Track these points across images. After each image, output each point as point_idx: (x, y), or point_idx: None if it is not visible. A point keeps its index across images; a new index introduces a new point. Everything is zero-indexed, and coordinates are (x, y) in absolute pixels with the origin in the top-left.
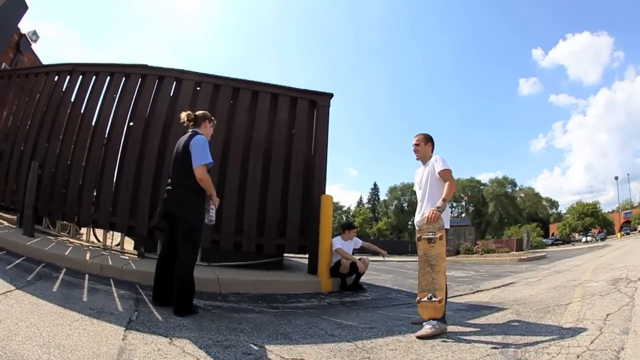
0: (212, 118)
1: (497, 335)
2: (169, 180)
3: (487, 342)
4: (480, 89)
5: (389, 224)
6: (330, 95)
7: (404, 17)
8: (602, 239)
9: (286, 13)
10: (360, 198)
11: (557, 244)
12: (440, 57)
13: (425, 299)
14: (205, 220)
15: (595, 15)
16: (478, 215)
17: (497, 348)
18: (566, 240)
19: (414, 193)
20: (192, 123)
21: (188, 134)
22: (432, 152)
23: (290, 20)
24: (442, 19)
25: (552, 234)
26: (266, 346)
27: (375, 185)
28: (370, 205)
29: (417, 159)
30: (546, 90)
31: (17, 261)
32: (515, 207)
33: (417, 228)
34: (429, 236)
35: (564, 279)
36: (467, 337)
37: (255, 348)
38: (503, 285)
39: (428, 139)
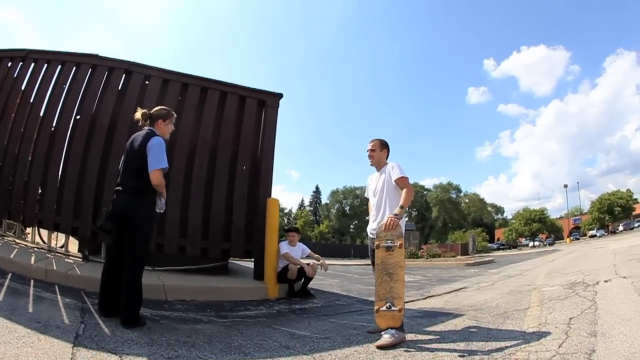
0: (170, 114)
1: (459, 343)
2: (119, 180)
3: (450, 350)
4: (428, 95)
5: (331, 227)
6: (280, 96)
7: (354, 22)
8: (551, 244)
9: (237, 11)
10: (302, 200)
11: (503, 249)
12: (388, 63)
13: (384, 308)
14: (157, 208)
15: (553, 29)
16: (422, 219)
17: (462, 357)
18: (512, 245)
19: (356, 197)
20: (147, 122)
21: (144, 132)
22: (387, 159)
23: (240, 18)
24: (393, 24)
25: (498, 239)
26: None
27: (317, 188)
28: (312, 208)
29: (371, 165)
30: (495, 100)
31: None
32: (459, 212)
33: (371, 236)
34: (388, 244)
35: (517, 283)
36: (429, 345)
37: None
38: (454, 291)
39: (384, 145)
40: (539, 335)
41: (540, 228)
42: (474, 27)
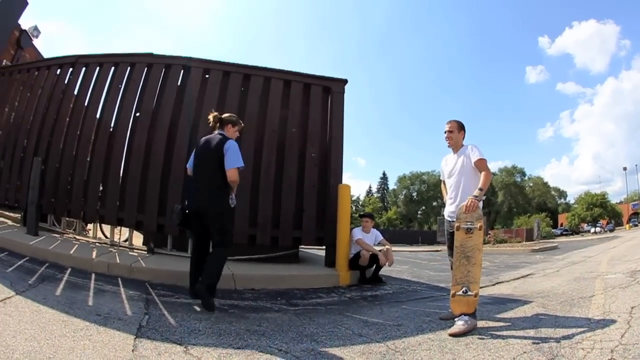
0: (238, 122)
1: (528, 330)
2: (195, 178)
3: (520, 337)
4: (486, 78)
5: (399, 214)
6: (345, 82)
7: (408, 7)
8: (611, 230)
9: (289, 2)
10: (370, 187)
11: (566, 235)
12: (445, 47)
13: (460, 292)
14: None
15: (601, 3)
16: (487, 204)
17: (532, 344)
18: (575, 230)
19: (423, 182)
20: (217, 124)
21: (217, 136)
22: (463, 140)
23: (294, 9)
24: (446, 8)
25: (561, 224)
26: (291, 351)
27: (384, 174)
28: (379, 195)
29: (448, 146)
30: (553, 78)
31: (19, 262)
32: (524, 197)
33: (449, 219)
34: (468, 226)
35: (581, 270)
36: (500, 333)
37: (280, 354)
38: (522, 277)
39: (461, 127)
40: (603, 323)
41: (601, 213)
42: (525, 4)
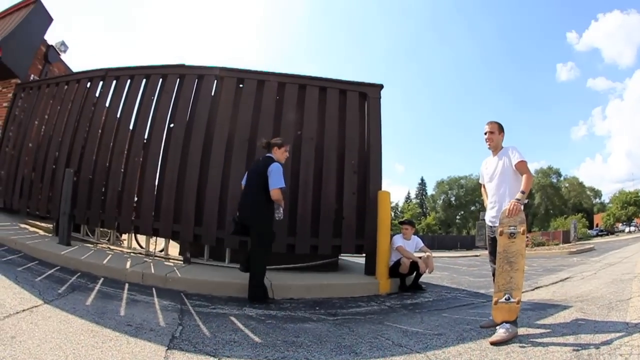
0: (284, 144)
1: (568, 337)
2: (245, 193)
3: (560, 345)
4: (518, 77)
5: (437, 219)
6: (381, 87)
7: (435, 10)
8: None
9: (320, 11)
10: (408, 193)
11: (601, 235)
12: (474, 50)
13: (503, 300)
14: (276, 216)
15: None
16: (524, 207)
17: (572, 351)
18: (610, 231)
19: (461, 187)
20: (266, 148)
21: (265, 158)
22: (503, 142)
23: (326, 16)
24: (473, 12)
25: (597, 225)
26: None
27: (422, 180)
28: (418, 201)
29: (488, 148)
30: (583, 75)
31: (49, 272)
32: (560, 198)
33: (490, 224)
34: (511, 230)
35: (618, 271)
36: (540, 340)
37: None
38: (560, 281)
39: (502, 128)
40: None
41: (636, 212)
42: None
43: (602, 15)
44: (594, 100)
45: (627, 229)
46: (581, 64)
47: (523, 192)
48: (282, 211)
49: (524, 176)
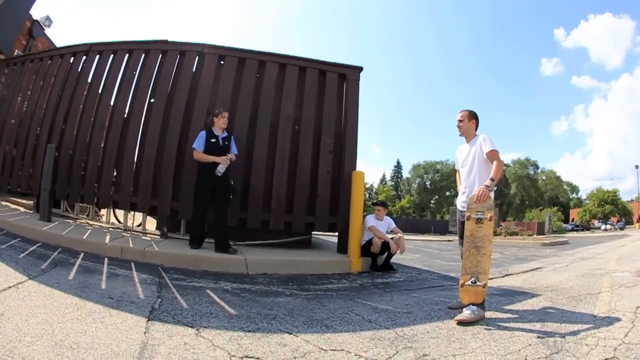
0: (217, 114)
1: (535, 323)
2: None
3: (526, 330)
4: (502, 68)
5: (412, 203)
6: (360, 69)
7: None
8: (621, 228)
9: None
10: (383, 175)
11: (577, 230)
12: (461, 35)
13: (469, 282)
14: (216, 172)
15: None
16: (500, 196)
17: (538, 337)
18: (585, 226)
19: (437, 172)
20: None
21: None
22: (476, 130)
23: None
24: None
25: (572, 220)
26: (302, 335)
27: (398, 162)
28: (393, 183)
29: (460, 135)
30: (568, 71)
31: (31, 248)
32: (536, 190)
33: (461, 208)
34: (479, 216)
35: (590, 266)
36: (507, 324)
37: (291, 337)
38: (531, 270)
39: (472, 116)
40: (608, 321)
41: (612, 211)
42: None
43: (592, 16)
44: (578, 97)
45: (603, 227)
46: (566, 61)
47: (492, 180)
48: (221, 168)
49: (494, 163)
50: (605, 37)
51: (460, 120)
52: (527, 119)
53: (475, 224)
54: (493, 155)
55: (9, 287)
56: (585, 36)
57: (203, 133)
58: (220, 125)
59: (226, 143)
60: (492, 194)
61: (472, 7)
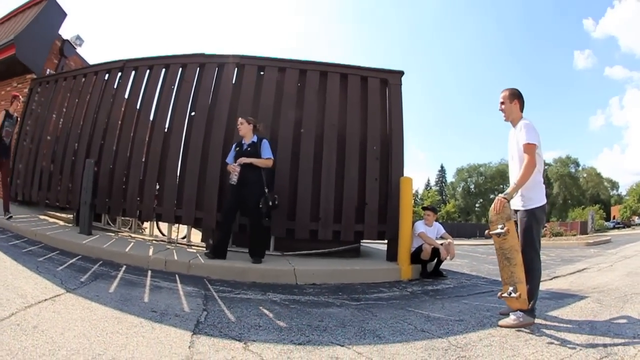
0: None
1: (584, 326)
2: None
3: (577, 334)
4: (536, 64)
5: (457, 207)
6: (402, 73)
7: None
8: None
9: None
10: (428, 180)
11: (618, 228)
12: (491, 37)
13: (506, 294)
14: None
15: None
16: (545, 195)
17: (587, 341)
18: (626, 223)
19: (480, 174)
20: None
21: None
22: (521, 111)
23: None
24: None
25: (614, 217)
26: (354, 347)
27: (442, 167)
28: (437, 188)
29: (505, 120)
30: (601, 63)
31: (71, 261)
32: (578, 188)
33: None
34: (498, 231)
35: (634, 265)
36: (557, 329)
37: (343, 350)
38: (578, 271)
39: (514, 95)
40: None
41: None
42: None
43: (617, 1)
44: (612, 89)
45: None
46: (598, 52)
47: (515, 185)
48: (233, 176)
49: (524, 164)
50: (632, 23)
51: (501, 103)
52: (565, 115)
53: (498, 238)
54: (527, 149)
55: (45, 300)
56: (613, 24)
57: (235, 144)
58: (239, 132)
59: (249, 149)
60: (541, 186)
61: (501, 6)
